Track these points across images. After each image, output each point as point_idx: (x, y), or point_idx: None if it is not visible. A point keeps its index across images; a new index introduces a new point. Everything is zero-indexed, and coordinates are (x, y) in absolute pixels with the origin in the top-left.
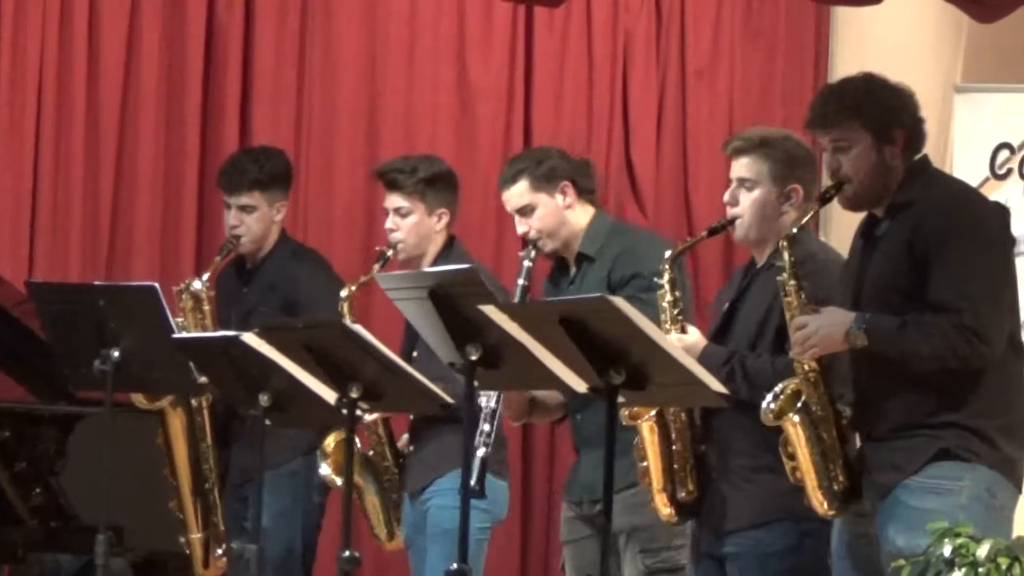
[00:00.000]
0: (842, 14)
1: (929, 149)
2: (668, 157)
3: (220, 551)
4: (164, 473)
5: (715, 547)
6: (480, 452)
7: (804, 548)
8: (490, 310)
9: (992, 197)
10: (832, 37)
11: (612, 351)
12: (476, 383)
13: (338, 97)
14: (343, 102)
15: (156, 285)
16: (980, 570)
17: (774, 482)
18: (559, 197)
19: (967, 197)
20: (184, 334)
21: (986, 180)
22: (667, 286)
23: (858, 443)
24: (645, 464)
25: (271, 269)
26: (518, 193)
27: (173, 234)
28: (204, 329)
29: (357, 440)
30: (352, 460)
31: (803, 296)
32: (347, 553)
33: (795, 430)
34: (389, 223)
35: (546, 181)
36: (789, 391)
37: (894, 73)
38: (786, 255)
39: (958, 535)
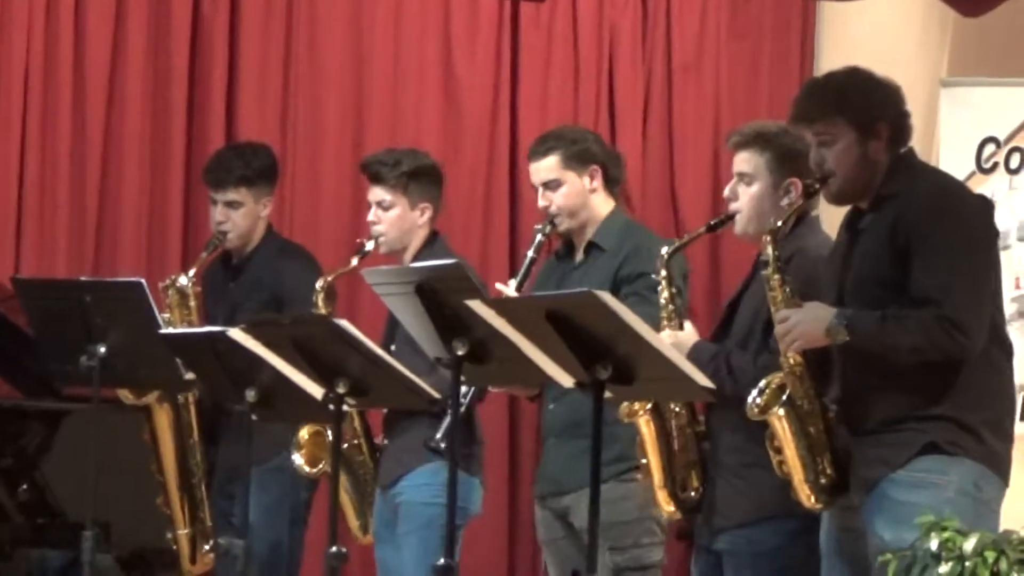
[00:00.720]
0: (828, 9)
1: (915, 143)
2: (654, 152)
3: (207, 547)
4: (151, 469)
5: (710, 542)
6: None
7: (796, 544)
8: (477, 305)
9: (978, 191)
10: (818, 31)
11: (599, 346)
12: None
13: (324, 92)
14: (329, 97)
15: (142, 281)
16: (967, 564)
17: (766, 477)
18: (587, 179)
19: (950, 189)
20: (171, 330)
21: (972, 174)
22: (664, 282)
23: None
24: (645, 461)
25: (257, 265)
26: (547, 167)
27: (159, 230)
28: (190, 325)
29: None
30: (339, 455)
31: (787, 290)
32: (334, 549)
33: (781, 424)
34: (371, 216)
35: (577, 161)
36: (774, 385)
37: (880, 67)
38: (769, 249)
39: (945, 529)
